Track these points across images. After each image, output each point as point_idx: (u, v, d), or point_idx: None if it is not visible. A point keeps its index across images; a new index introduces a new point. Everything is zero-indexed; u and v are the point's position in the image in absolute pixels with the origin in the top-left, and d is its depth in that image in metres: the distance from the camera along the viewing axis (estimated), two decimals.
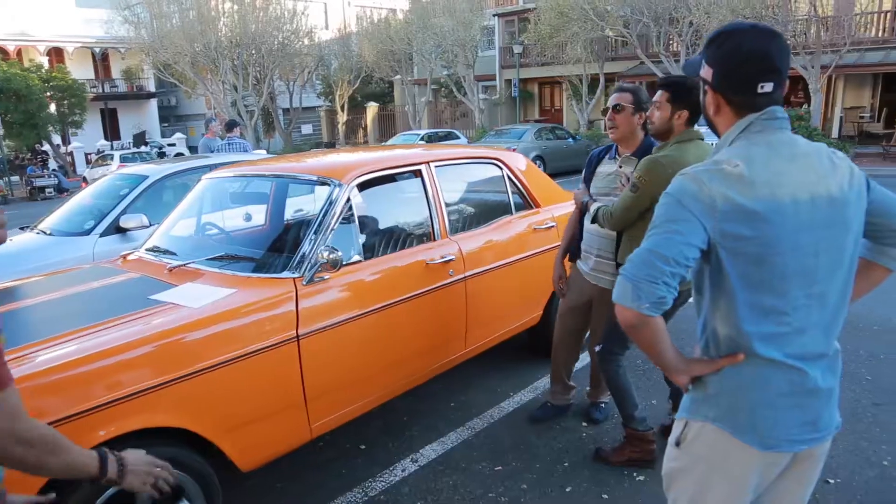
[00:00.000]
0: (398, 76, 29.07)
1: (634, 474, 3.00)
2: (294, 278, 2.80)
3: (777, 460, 1.46)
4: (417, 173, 3.57)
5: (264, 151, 12.72)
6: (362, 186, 3.24)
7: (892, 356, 4.23)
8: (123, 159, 20.28)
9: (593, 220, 2.97)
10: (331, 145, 31.32)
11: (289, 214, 3.98)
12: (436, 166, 3.66)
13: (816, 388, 1.42)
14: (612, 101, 3.00)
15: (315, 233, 2.94)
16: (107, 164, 20.04)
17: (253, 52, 26.65)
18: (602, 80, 23.15)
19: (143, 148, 26.65)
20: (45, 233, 4.99)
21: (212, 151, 8.26)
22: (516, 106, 26.04)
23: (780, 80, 1.41)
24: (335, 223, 3.01)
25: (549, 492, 2.90)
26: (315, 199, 3.51)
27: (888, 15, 20.18)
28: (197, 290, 2.78)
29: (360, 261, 3.09)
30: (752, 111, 1.42)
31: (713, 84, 1.46)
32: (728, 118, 1.46)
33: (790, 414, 1.42)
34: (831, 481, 2.91)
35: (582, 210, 3.17)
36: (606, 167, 3.14)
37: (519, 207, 4.14)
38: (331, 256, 2.78)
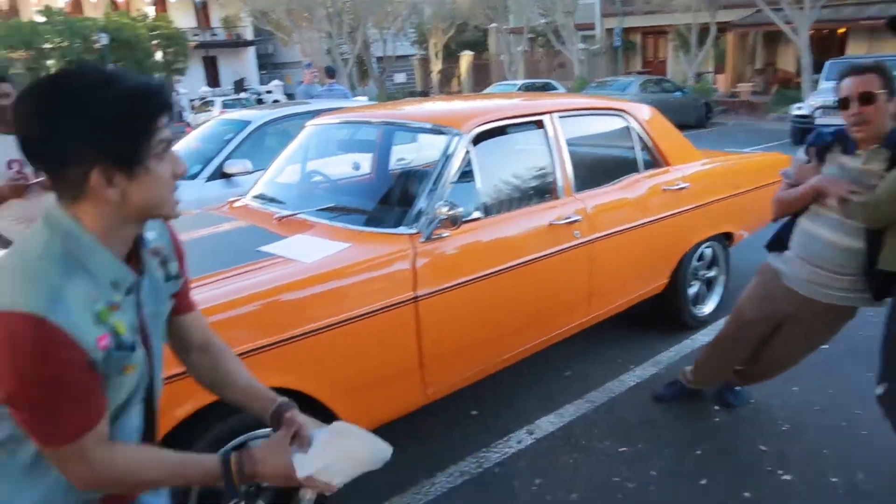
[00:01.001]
0: (494, 24, 28.26)
1: (779, 472, 2.64)
2: (411, 234, 2.58)
3: None
4: (539, 124, 3.25)
5: (366, 98, 12.59)
6: (481, 137, 2.96)
7: None
8: (225, 105, 20.74)
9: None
10: (424, 94, 31.03)
11: (399, 165, 3.77)
12: (559, 117, 3.33)
13: None
14: (852, 88, 2.24)
15: (433, 186, 2.70)
16: (209, 111, 20.57)
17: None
18: (713, 29, 21.56)
19: (242, 95, 27.22)
20: None
21: (312, 98, 8.17)
22: (617, 57, 24.82)
23: None
24: (454, 176, 2.77)
25: (680, 483, 2.61)
26: (428, 149, 3.27)
27: None
28: (308, 242, 2.61)
29: (480, 218, 2.83)
30: None
31: None
32: None
33: None
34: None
35: (816, 195, 2.40)
36: (845, 160, 2.38)
37: (647, 165, 3.75)
38: (450, 212, 2.54)
